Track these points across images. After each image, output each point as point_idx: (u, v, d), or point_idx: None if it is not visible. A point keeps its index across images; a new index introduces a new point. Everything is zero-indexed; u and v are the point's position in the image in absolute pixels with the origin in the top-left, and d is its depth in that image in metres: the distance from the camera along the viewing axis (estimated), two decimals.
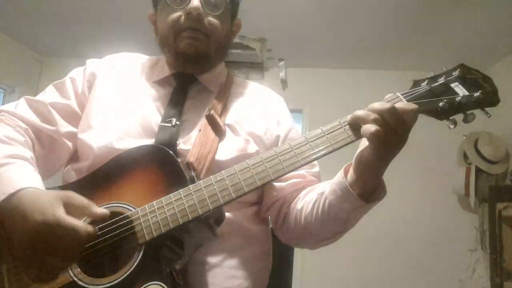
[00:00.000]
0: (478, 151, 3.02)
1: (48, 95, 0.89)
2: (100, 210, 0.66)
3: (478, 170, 3.04)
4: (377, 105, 0.64)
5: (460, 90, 0.67)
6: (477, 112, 0.67)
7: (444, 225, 3.29)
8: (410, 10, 2.55)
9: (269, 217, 0.92)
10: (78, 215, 0.65)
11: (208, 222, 0.71)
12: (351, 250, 3.16)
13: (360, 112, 0.65)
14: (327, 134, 0.69)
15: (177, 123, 0.82)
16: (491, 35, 2.76)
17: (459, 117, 0.68)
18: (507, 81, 2.87)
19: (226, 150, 0.81)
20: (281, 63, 2.92)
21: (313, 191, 0.83)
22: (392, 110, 0.62)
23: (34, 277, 0.65)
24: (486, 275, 2.96)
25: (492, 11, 2.45)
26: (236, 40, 2.87)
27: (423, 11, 2.55)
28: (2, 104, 3.46)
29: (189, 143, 0.80)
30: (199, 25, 0.83)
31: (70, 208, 0.64)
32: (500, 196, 2.84)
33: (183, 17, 0.83)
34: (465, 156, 3.15)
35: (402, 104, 0.65)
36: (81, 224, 0.62)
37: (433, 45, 3.00)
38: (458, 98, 0.66)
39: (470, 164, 3.12)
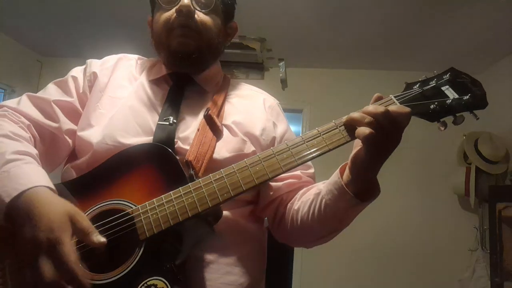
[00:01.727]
0: (478, 151, 3.02)
1: (51, 92, 0.90)
2: (98, 239, 0.65)
3: (478, 170, 3.03)
4: (371, 108, 0.66)
5: (450, 93, 0.70)
6: (466, 114, 0.70)
7: (444, 225, 3.29)
8: (410, 11, 2.56)
9: (265, 217, 0.94)
10: (78, 237, 0.66)
11: (206, 219, 0.73)
12: (351, 250, 3.17)
13: (355, 114, 0.68)
14: (323, 135, 0.71)
15: (175, 121, 0.83)
16: (491, 35, 2.76)
17: (448, 119, 0.71)
18: (507, 81, 2.87)
19: (223, 150, 0.83)
20: (281, 63, 2.93)
21: (309, 192, 0.85)
22: (386, 114, 0.65)
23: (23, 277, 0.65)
24: (486, 275, 2.96)
25: (492, 11, 2.45)
26: (236, 40, 2.87)
27: (423, 11, 2.55)
28: None
29: (187, 142, 0.82)
30: (190, 22, 0.85)
31: (74, 227, 0.64)
32: (500, 196, 2.84)
33: (174, 15, 0.85)
34: (465, 156, 3.15)
35: (395, 107, 0.68)
36: (74, 263, 0.61)
37: (433, 46, 3.00)
38: (448, 101, 0.69)
39: (470, 164, 3.12)
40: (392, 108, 0.66)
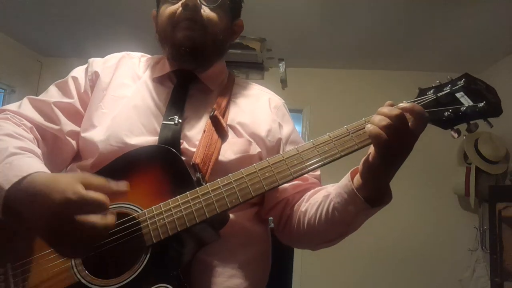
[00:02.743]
0: (478, 151, 3.02)
1: (51, 94, 0.89)
2: (119, 185, 0.64)
3: (478, 170, 3.04)
4: (386, 109, 0.64)
5: (465, 100, 0.68)
6: (479, 121, 0.69)
7: (444, 225, 3.30)
8: (410, 10, 2.56)
9: (271, 218, 0.93)
10: (99, 190, 0.63)
11: (213, 224, 0.72)
12: (350, 250, 3.16)
13: (375, 119, 0.66)
14: (334, 141, 0.69)
15: (180, 121, 0.82)
16: (491, 35, 2.76)
17: (462, 126, 0.69)
18: (507, 81, 2.87)
19: (228, 152, 0.82)
20: (281, 63, 2.92)
21: (317, 194, 0.84)
22: (401, 117, 0.63)
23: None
24: (486, 275, 2.96)
25: (492, 11, 2.45)
26: (236, 40, 2.87)
27: (423, 11, 2.55)
28: (2, 104, 3.48)
29: (193, 143, 0.81)
30: (196, 16, 0.84)
31: (88, 187, 0.62)
32: (500, 196, 2.84)
33: (180, 9, 0.84)
34: (465, 156, 3.15)
35: (416, 109, 0.66)
36: (102, 196, 0.60)
37: (433, 46, 3.00)
38: (463, 108, 0.68)
39: (470, 164, 3.12)
40: (412, 109, 0.65)
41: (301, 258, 3.36)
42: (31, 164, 0.68)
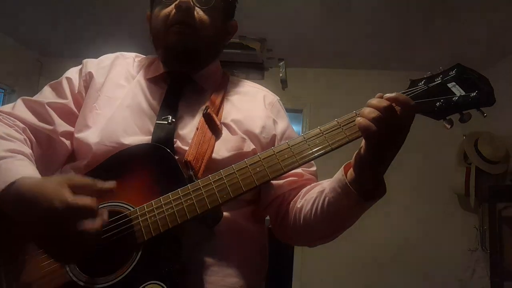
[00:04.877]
0: (478, 151, 3.02)
1: (45, 95, 0.89)
2: (106, 184, 0.65)
3: (478, 170, 3.04)
4: (375, 101, 0.64)
5: (457, 90, 0.67)
6: (473, 111, 0.67)
7: (444, 225, 3.30)
8: (410, 11, 2.56)
9: (268, 216, 0.92)
10: (86, 194, 0.64)
11: (206, 221, 0.72)
12: (351, 250, 3.16)
13: (365, 110, 0.65)
14: (325, 134, 0.69)
15: (173, 120, 0.82)
16: (491, 35, 2.76)
17: (455, 117, 0.68)
18: (507, 81, 2.87)
19: (222, 149, 0.82)
20: (281, 63, 2.92)
21: (313, 190, 0.84)
22: (390, 108, 0.63)
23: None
24: (486, 275, 2.96)
25: (492, 12, 2.45)
26: (236, 40, 2.87)
27: (423, 12, 2.55)
28: (2, 105, 3.48)
29: (186, 142, 0.81)
30: (188, 18, 0.83)
31: (76, 189, 0.63)
32: (500, 196, 2.85)
33: (173, 11, 0.84)
34: (465, 156, 3.15)
35: (402, 98, 0.65)
36: (89, 201, 0.61)
37: (433, 46, 3.00)
38: (455, 98, 0.67)
39: (470, 164, 3.12)
40: (396, 98, 0.64)
41: (301, 258, 3.36)
42: (19, 168, 0.69)
